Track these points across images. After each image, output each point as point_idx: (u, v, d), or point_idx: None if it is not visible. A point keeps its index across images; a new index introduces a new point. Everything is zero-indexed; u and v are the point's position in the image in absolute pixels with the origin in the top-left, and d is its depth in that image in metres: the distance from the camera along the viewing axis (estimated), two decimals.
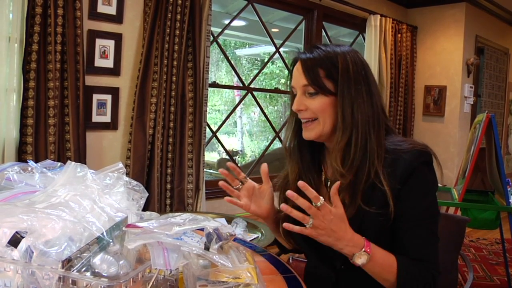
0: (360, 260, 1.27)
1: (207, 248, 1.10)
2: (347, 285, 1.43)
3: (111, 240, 1.03)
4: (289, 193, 1.21)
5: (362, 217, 1.34)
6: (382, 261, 1.30)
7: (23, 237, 1.01)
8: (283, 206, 1.24)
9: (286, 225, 1.24)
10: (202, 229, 1.15)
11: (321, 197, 1.22)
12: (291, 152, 1.55)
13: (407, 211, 1.34)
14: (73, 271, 0.96)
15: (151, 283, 1.05)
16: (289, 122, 1.56)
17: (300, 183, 1.21)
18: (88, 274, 0.97)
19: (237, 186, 1.45)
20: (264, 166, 1.52)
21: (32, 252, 0.99)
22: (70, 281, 0.96)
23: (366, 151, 1.36)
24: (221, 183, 1.47)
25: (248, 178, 1.48)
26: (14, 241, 1.01)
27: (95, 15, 3.14)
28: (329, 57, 1.39)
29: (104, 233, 1.04)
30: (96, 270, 0.98)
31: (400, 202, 1.33)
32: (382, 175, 1.33)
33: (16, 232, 1.02)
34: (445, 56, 5.85)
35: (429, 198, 1.37)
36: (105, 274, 0.98)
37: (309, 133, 1.44)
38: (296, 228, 1.23)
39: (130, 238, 1.05)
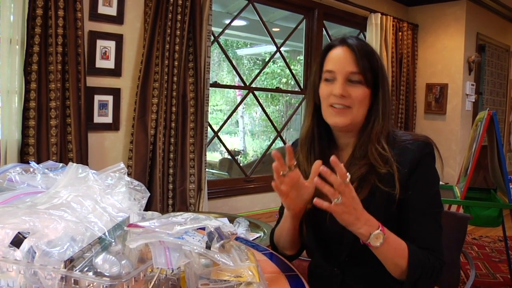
0: (377, 240, 1.26)
1: (208, 247, 1.10)
2: (352, 280, 1.43)
3: (113, 240, 1.04)
4: (323, 169, 1.21)
5: (369, 203, 1.35)
6: (395, 244, 1.31)
7: (25, 238, 1.02)
8: (317, 180, 1.22)
9: (317, 200, 1.23)
10: (203, 228, 1.15)
11: (348, 174, 1.21)
12: (310, 143, 1.54)
13: (414, 200, 1.38)
14: (75, 271, 0.97)
15: (153, 282, 1.06)
16: (308, 113, 1.56)
17: (333, 159, 1.21)
18: (90, 274, 0.97)
19: (284, 172, 1.41)
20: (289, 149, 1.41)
21: (35, 253, 0.99)
22: (73, 281, 0.97)
23: (387, 141, 1.43)
24: (274, 152, 1.40)
25: (296, 167, 1.43)
26: (17, 242, 1.02)
27: (95, 16, 3.14)
28: (372, 51, 1.45)
29: (106, 233, 1.04)
30: (98, 270, 0.99)
31: (408, 191, 1.37)
32: (394, 160, 1.39)
33: (19, 232, 1.02)
34: (446, 54, 5.84)
35: (435, 189, 1.42)
36: (107, 274, 0.98)
37: (341, 119, 1.43)
38: (324, 205, 1.22)
39: (132, 237, 1.06)
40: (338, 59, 1.43)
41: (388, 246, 1.29)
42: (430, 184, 1.40)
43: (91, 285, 0.96)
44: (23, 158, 2.78)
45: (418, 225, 1.38)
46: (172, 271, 1.13)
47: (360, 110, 1.42)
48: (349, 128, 1.46)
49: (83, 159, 2.99)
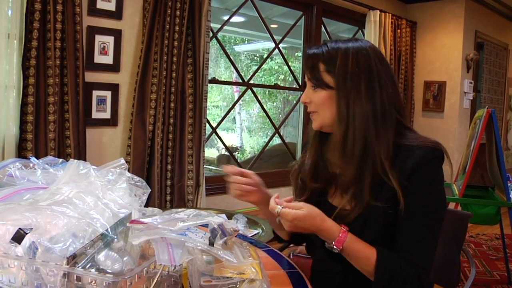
0: (334, 249, 1.33)
1: (211, 243, 1.10)
2: (354, 276, 1.43)
3: (115, 237, 1.03)
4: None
5: (368, 214, 1.36)
6: (357, 255, 1.34)
7: (26, 234, 1.01)
8: (271, 201, 1.36)
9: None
10: (204, 225, 1.15)
11: (277, 206, 1.33)
12: (312, 139, 1.57)
13: (409, 204, 1.34)
14: (77, 267, 0.96)
15: (155, 279, 1.05)
16: None
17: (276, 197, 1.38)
18: (92, 270, 0.96)
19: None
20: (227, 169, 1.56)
21: (36, 249, 0.98)
22: (75, 278, 0.96)
23: (367, 146, 1.36)
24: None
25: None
26: (18, 238, 1.01)
27: (94, 11, 3.12)
28: (330, 52, 1.41)
29: (109, 230, 1.03)
30: (101, 267, 0.98)
31: (404, 195, 1.34)
32: (390, 171, 1.34)
33: (20, 228, 1.02)
34: (444, 51, 5.84)
35: (433, 195, 1.36)
36: (109, 271, 0.98)
37: (313, 124, 1.49)
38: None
39: (134, 234, 1.05)
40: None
41: (347, 255, 1.34)
42: (427, 188, 1.36)
43: (94, 281, 0.95)
44: (21, 153, 2.76)
45: (405, 229, 1.35)
46: (175, 267, 1.12)
47: (325, 112, 1.43)
48: (326, 129, 1.48)
49: (81, 155, 2.98)
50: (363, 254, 1.33)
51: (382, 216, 1.35)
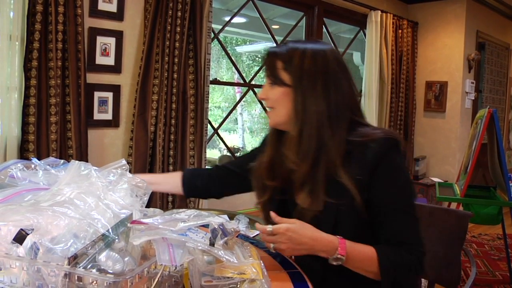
0: (336, 262, 1.32)
1: (212, 243, 1.10)
2: (334, 274, 1.43)
3: (116, 237, 1.03)
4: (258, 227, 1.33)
5: (336, 213, 1.39)
6: (360, 257, 1.34)
7: (28, 234, 1.01)
8: (257, 225, 1.33)
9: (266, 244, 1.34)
10: (205, 225, 1.15)
11: (268, 226, 1.30)
12: (269, 137, 1.61)
13: (382, 198, 1.38)
14: (79, 268, 0.96)
15: (156, 279, 1.05)
16: None
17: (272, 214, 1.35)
18: (94, 271, 0.97)
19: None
20: None
21: (38, 249, 0.99)
22: (76, 278, 0.96)
23: (322, 143, 1.40)
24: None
25: None
26: (19, 238, 1.01)
27: (95, 12, 3.13)
28: (289, 51, 1.45)
29: (110, 230, 1.04)
30: (102, 267, 0.98)
31: (373, 191, 1.37)
32: (342, 168, 1.37)
33: (21, 229, 1.02)
34: (446, 51, 5.84)
35: (401, 182, 1.40)
36: (110, 271, 0.98)
37: (269, 121, 1.53)
38: (271, 248, 1.33)
39: (135, 234, 1.05)
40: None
41: (352, 261, 1.33)
42: (395, 179, 1.39)
43: (95, 282, 0.96)
44: (23, 154, 2.77)
45: (390, 222, 1.38)
46: (175, 268, 1.12)
47: (281, 110, 1.46)
48: (282, 127, 1.51)
49: (83, 156, 2.99)
50: (365, 255, 1.35)
51: (350, 212, 1.37)
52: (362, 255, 1.34)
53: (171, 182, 1.84)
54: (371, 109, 5.28)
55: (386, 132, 1.40)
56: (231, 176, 1.79)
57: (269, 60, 1.47)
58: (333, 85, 1.42)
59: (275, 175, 1.55)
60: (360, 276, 1.39)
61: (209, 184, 1.81)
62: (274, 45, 1.52)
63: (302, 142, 1.41)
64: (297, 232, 1.30)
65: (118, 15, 3.25)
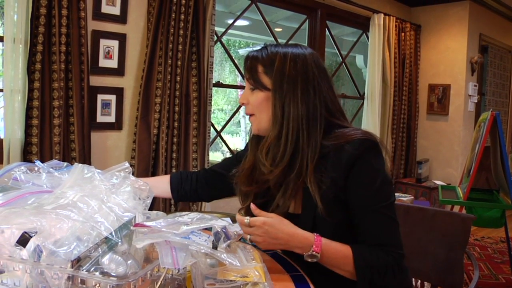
0: (311, 259, 1.32)
1: (215, 247, 1.10)
2: (320, 274, 1.43)
3: (119, 240, 1.04)
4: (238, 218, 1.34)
5: (314, 216, 1.40)
6: (335, 255, 1.34)
7: (31, 237, 1.02)
8: (237, 215, 1.34)
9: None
10: (208, 229, 1.15)
11: (246, 218, 1.30)
12: (250, 142, 1.60)
13: (358, 199, 1.38)
14: (82, 270, 0.97)
15: (159, 282, 1.06)
16: None
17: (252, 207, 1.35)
18: (97, 274, 0.97)
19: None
20: None
21: (41, 252, 0.99)
22: (79, 281, 0.96)
23: (298, 147, 1.40)
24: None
25: None
26: (23, 241, 1.02)
27: (99, 15, 3.14)
28: (270, 55, 1.45)
29: (113, 233, 1.04)
30: (105, 270, 0.98)
31: (349, 193, 1.37)
32: (313, 174, 1.38)
33: (25, 232, 1.02)
34: (449, 54, 5.83)
35: (377, 184, 1.38)
36: (113, 274, 0.98)
37: (252, 127, 1.52)
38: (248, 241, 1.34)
39: (138, 237, 1.05)
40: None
41: (327, 259, 1.34)
42: (370, 179, 1.37)
43: (98, 285, 0.96)
44: (26, 157, 2.78)
45: (366, 224, 1.38)
46: (178, 271, 1.12)
47: (262, 115, 1.46)
48: (263, 133, 1.49)
49: (86, 159, 2.99)
50: (341, 253, 1.35)
51: (329, 220, 1.37)
52: (337, 253, 1.34)
53: (160, 186, 1.80)
54: (374, 112, 5.28)
55: (362, 133, 1.39)
56: (219, 179, 1.78)
57: (250, 64, 1.46)
58: (312, 88, 1.42)
59: (257, 180, 1.53)
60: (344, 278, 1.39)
61: (197, 187, 1.80)
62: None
63: (279, 146, 1.41)
64: (274, 227, 1.31)
65: (122, 18, 3.26)
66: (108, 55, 3.21)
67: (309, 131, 1.40)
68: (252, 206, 1.35)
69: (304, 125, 1.40)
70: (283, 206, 1.43)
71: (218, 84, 4.32)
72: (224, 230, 1.13)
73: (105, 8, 3.17)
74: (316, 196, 1.36)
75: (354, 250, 1.35)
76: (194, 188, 1.80)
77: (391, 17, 5.40)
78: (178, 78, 3.42)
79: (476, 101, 5.96)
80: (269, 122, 1.45)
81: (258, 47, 1.49)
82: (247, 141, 1.65)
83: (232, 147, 7.93)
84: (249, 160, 1.57)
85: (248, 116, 1.51)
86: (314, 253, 1.31)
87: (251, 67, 1.45)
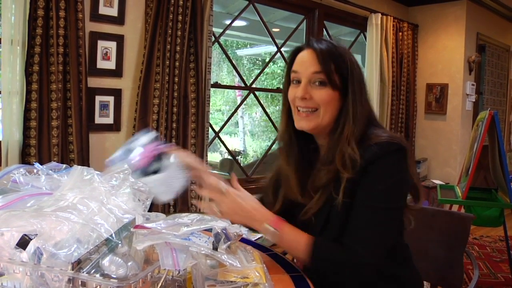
0: (268, 234, 1.36)
1: (215, 248, 1.10)
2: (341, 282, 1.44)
3: (119, 242, 1.03)
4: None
5: (328, 212, 1.39)
6: (292, 238, 1.36)
7: (31, 239, 1.01)
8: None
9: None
10: (208, 230, 1.15)
11: (223, 184, 1.38)
12: (288, 145, 1.55)
13: (362, 193, 1.35)
14: (82, 272, 0.96)
15: (160, 284, 1.05)
16: (283, 116, 1.57)
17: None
18: (97, 276, 0.97)
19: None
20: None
21: (41, 254, 0.99)
22: (80, 283, 0.96)
23: (357, 144, 1.38)
24: None
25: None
26: (23, 243, 1.01)
27: (96, 17, 3.14)
28: (339, 53, 1.42)
29: (113, 235, 1.04)
30: (105, 272, 0.98)
31: (359, 187, 1.35)
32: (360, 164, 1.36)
33: (24, 234, 1.02)
34: (446, 54, 5.84)
35: (387, 184, 1.35)
36: (114, 276, 0.98)
37: (306, 123, 1.44)
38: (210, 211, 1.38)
39: (138, 239, 1.05)
40: (303, 61, 1.44)
41: (281, 240, 1.36)
42: (382, 178, 1.34)
43: (98, 287, 0.96)
44: (24, 159, 2.77)
45: (354, 218, 1.34)
46: (179, 272, 1.12)
47: (327, 113, 1.41)
48: (317, 131, 1.46)
49: (84, 160, 2.99)
50: (298, 239, 1.36)
51: (345, 210, 1.35)
52: (295, 237, 1.36)
53: None
54: None
55: (391, 136, 1.37)
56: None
57: (323, 60, 1.40)
58: (366, 89, 1.45)
59: (306, 190, 1.49)
60: (366, 284, 1.39)
61: None
62: (316, 42, 1.42)
63: (341, 147, 1.38)
64: (244, 199, 1.36)
65: (119, 19, 3.26)
66: (106, 57, 3.21)
67: (367, 130, 1.41)
68: (234, 177, 1.40)
69: (360, 124, 1.40)
70: (316, 205, 1.41)
71: (216, 85, 4.33)
72: (224, 231, 1.12)
73: (103, 10, 3.16)
74: (340, 191, 1.34)
75: (315, 241, 1.34)
76: None
77: (389, 16, 5.41)
78: (176, 79, 3.42)
79: (474, 100, 5.97)
80: (332, 120, 1.42)
81: (318, 40, 1.45)
82: (272, 148, 1.61)
83: (230, 148, 7.95)
84: (293, 168, 1.52)
85: (304, 110, 1.43)
86: (270, 227, 1.35)
87: (325, 63, 1.40)
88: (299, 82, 1.45)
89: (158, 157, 1.44)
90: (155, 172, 1.41)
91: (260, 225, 1.36)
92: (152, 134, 1.46)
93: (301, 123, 1.45)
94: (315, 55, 1.41)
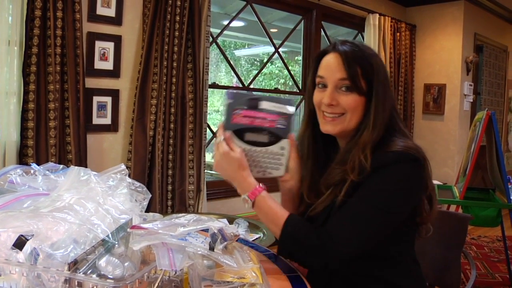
0: (244, 202, 1.39)
1: (211, 248, 1.10)
2: (337, 277, 1.43)
3: (116, 242, 1.03)
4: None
5: (332, 206, 1.37)
6: (267, 211, 1.37)
7: (27, 240, 1.01)
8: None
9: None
10: (205, 230, 1.15)
11: (222, 137, 1.41)
12: (306, 147, 1.54)
13: (359, 190, 1.33)
14: (79, 273, 0.96)
15: (156, 284, 1.06)
16: (304, 117, 1.57)
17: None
18: (94, 276, 0.97)
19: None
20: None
21: (38, 255, 0.99)
22: (76, 283, 0.96)
23: (372, 150, 1.36)
24: None
25: None
26: (19, 244, 1.01)
27: (94, 17, 3.14)
28: (365, 56, 1.40)
29: (109, 235, 1.04)
30: (102, 272, 0.98)
31: (361, 186, 1.33)
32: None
33: (21, 235, 1.02)
34: (444, 54, 5.85)
35: (387, 188, 1.32)
36: (110, 276, 0.98)
37: (332, 127, 1.43)
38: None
39: (135, 239, 1.05)
40: (329, 66, 1.42)
41: (258, 209, 1.38)
42: (385, 181, 1.32)
43: (95, 287, 0.96)
44: (22, 159, 2.77)
45: (343, 208, 1.33)
46: (175, 272, 1.12)
47: (353, 118, 1.40)
48: (342, 134, 1.45)
49: (82, 161, 2.99)
50: (274, 211, 1.37)
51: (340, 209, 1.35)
52: (270, 210, 1.37)
53: None
54: None
55: (407, 146, 1.34)
56: None
57: (349, 64, 1.37)
58: (390, 92, 1.45)
59: (314, 190, 1.48)
60: (366, 284, 1.39)
61: None
62: (342, 45, 1.39)
63: (355, 152, 1.37)
64: (233, 158, 1.38)
65: (117, 20, 3.26)
66: (103, 57, 3.21)
67: (389, 135, 1.40)
68: (227, 135, 1.41)
69: (378, 131, 1.38)
70: (325, 201, 1.40)
71: (214, 85, 4.32)
72: (221, 231, 1.12)
73: (100, 10, 3.16)
74: (343, 190, 1.34)
75: (289, 217, 1.35)
76: None
77: (386, 17, 5.41)
78: (174, 80, 3.42)
79: (471, 100, 5.98)
80: (357, 124, 1.41)
81: (343, 43, 1.43)
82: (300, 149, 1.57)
83: None
84: (308, 168, 1.51)
85: (331, 116, 1.42)
86: (247, 197, 1.37)
87: (350, 68, 1.37)
88: (324, 86, 1.43)
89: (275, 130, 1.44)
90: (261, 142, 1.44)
91: (239, 191, 1.40)
92: (293, 109, 1.44)
93: (327, 127, 1.44)
94: (341, 59, 1.39)
